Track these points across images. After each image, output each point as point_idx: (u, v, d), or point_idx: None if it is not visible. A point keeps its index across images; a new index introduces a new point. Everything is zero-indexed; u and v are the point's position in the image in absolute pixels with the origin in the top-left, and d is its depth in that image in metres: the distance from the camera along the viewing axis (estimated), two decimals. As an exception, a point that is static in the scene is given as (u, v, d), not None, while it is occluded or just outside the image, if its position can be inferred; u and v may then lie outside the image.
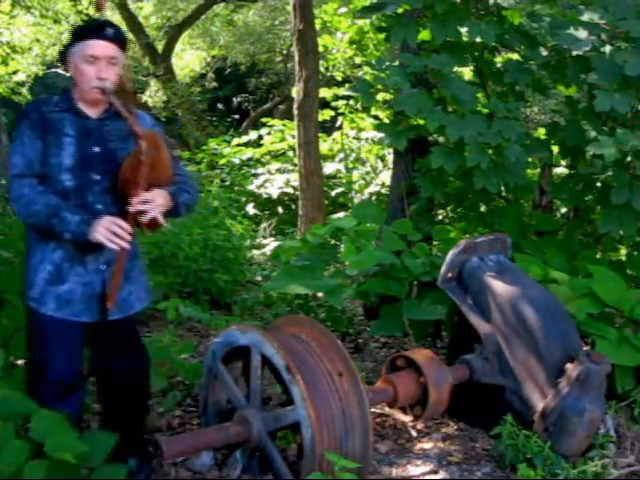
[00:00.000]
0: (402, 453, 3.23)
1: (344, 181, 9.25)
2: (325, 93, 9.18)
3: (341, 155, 9.66)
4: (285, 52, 15.66)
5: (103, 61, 2.41)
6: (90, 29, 2.45)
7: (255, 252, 7.16)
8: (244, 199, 9.04)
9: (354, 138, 9.75)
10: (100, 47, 2.41)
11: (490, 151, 4.05)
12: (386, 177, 8.09)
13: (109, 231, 2.33)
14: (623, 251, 4.90)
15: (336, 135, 10.11)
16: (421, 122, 4.28)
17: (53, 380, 2.52)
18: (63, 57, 2.53)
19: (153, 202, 2.40)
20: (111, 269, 2.49)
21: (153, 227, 2.47)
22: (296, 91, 7.67)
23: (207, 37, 15.82)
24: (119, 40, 2.47)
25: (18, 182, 2.40)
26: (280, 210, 9.11)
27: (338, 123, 9.82)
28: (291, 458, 2.92)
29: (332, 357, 2.74)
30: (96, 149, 2.48)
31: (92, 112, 2.51)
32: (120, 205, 2.46)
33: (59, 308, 2.47)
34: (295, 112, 7.67)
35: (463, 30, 4.24)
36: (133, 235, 2.41)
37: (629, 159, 3.86)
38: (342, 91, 9.23)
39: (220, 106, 17.91)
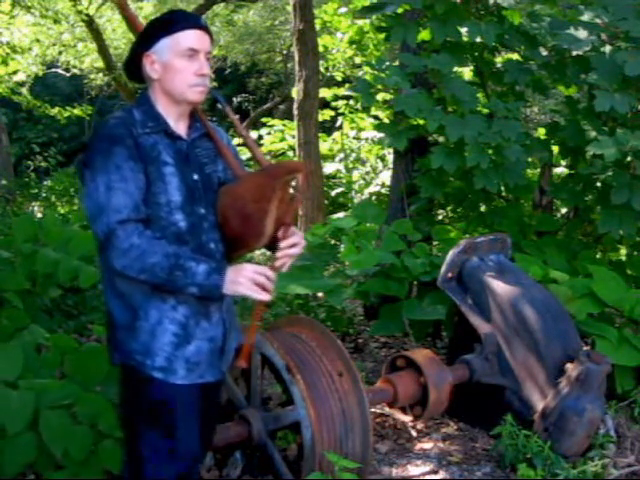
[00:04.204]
0: (402, 453, 3.23)
1: (344, 181, 9.25)
2: (325, 93, 9.19)
3: (341, 155, 9.66)
4: (285, 52, 15.66)
5: (202, 55, 1.98)
6: (183, 17, 2.02)
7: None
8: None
9: (354, 138, 9.76)
10: (199, 38, 1.98)
11: (490, 151, 4.05)
12: (386, 177, 8.09)
13: (254, 282, 1.91)
14: (623, 251, 4.90)
15: (336, 135, 10.12)
16: (421, 122, 4.28)
17: (184, 460, 2.08)
18: (136, 59, 2.03)
19: (299, 245, 2.02)
20: (229, 316, 2.13)
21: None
22: (296, 91, 7.68)
23: (207, 37, 15.81)
24: (211, 34, 2.06)
25: (124, 230, 1.87)
26: (280, 210, 9.09)
27: (338, 123, 9.83)
28: (291, 458, 2.92)
29: (332, 357, 2.74)
30: (195, 177, 2.04)
31: (181, 130, 2.06)
32: (225, 241, 2.08)
33: (188, 373, 2.03)
34: (295, 112, 7.67)
35: (463, 30, 4.24)
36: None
37: (629, 159, 3.86)
38: (342, 91, 9.25)
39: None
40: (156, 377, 1.99)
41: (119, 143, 1.90)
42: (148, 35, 2.00)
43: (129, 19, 2.36)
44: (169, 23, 1.99)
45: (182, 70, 1.96)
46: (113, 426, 2.46)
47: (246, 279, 1.90)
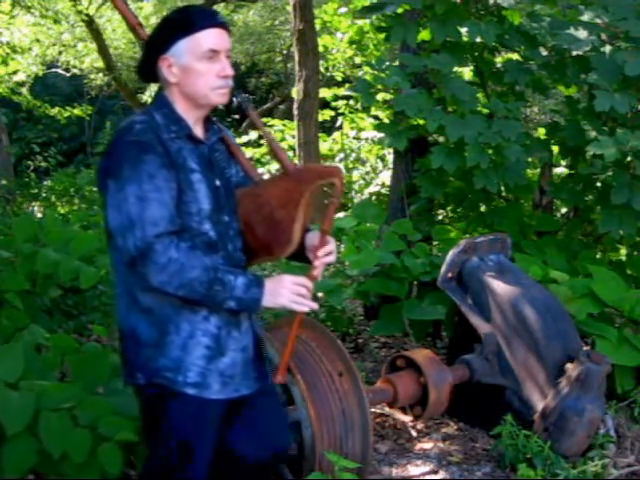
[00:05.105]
0: (402, 453, 3.23)
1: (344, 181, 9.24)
2: (325, 93, 9.19)
3: (341, 155, 9.66)
4: (285, 52, 15.67)
5: (223, 55, 1.85)
6: (200, 16, 1.85)
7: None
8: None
9: (354, 138, 9.75)
10: (219, 37, 1.84)
11: (490, 151, 4.05)
12: (386, 177, 8.09)
13: (295, 294, 1.87)
14: (623, 251, 4.90)
15: (336, 135, 10.12)
16: (421, 122, 4.28)
17: (200, 471, 1.98)
18: (150, 61, 1.89)
19: (334, 253, 1.95)
20: (256, 323, 2.06)
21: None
22: (296, 91, 7.68)
23: (207, 37, 15.82)
24: (229, 30, 1.91)
25: (161, 243, 1.74)
26: (280, 210, 9.09)
27: (338, 123, 9.83)
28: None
29: (332, 357, 2.74)
30: (217, 183, 1.93)
31: (200, 134, 1.95)
32: (245, 249, 2.00)
33: (223, 387, 1.93)
34: (295, 112, 7.68)
35: (463, 30, 4.24)
36: None
37: (629, 159, 3.86)
38: (342, 91, 9.25)
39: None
40: (189, 393, 1.88)
41: (149, 150, 1.77)
42: (163, 36, 1.85)
43: (120, 11, 2.25)
44: (186, 23, 1.83)
45: (204, 73, 1.84)
46: (113, 429, 2.46)
47: (287, 290, 1.85)
